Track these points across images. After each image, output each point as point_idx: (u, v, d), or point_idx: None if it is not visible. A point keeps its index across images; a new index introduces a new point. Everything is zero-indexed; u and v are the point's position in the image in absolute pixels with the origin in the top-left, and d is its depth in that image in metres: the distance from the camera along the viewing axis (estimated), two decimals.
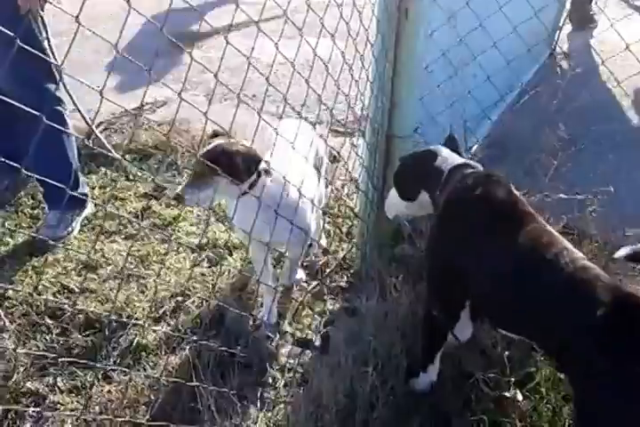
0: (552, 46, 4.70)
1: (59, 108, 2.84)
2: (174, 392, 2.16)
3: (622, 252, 1.57)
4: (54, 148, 2.87)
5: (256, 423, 1.97)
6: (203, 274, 2.70)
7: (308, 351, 2.24)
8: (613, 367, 1.41)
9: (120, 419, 1.93)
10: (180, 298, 2.58)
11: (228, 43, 1.47)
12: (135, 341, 2.38)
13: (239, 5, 1.53)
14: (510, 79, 3.27)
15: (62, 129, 2.77)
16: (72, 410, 2.16)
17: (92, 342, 2.40)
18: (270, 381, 2.20)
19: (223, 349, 2.06)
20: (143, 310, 2.52)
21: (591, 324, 1.47)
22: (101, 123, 3.91)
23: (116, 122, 3.99)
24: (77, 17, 1.08)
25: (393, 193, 2.21)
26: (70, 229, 3.03)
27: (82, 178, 3.17)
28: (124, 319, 2.47)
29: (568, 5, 4.90)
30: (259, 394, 2.13)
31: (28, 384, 2.23)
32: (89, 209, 3.16)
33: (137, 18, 1.34)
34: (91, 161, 3.54)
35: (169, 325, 2.47)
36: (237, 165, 1.98)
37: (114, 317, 2.46)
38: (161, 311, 2.52)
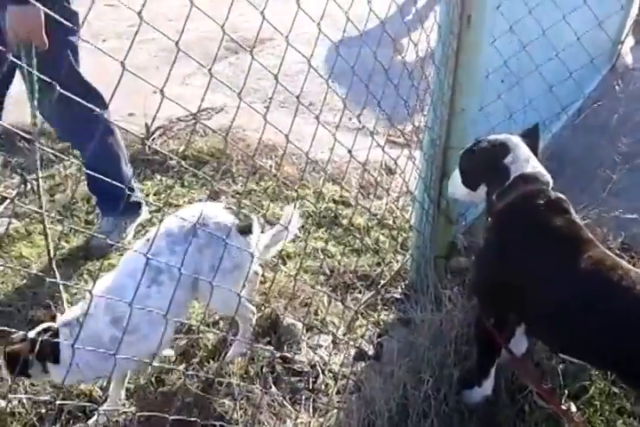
0: (613, 60, 4.83)
1: (109, 126, 3.13)
2: (226, 396, 2.38)
3: None
4: (107, 159, 3.17)
5: (310, 421, 2.16)
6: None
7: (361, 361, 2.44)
8: None
9: (173, 417, 2.17)
10: None
11: (289, 44, 1.61)
12: (187, 344, 2.62)
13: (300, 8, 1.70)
14: (571, 92, 3.40)
15: (113, 144, 3.11)
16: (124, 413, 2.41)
17: None
18: (323, 388, 2.40)
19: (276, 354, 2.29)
20: (197, 315, 2.77)
21: None
22: (158, 128, 4.23)
23: (172, 127, 4.29)
24: (139, 12, 1.23)
25: (456, 174, 2.28)
26: (124, 235, 3.32)
27: (136, 184, 3.47)
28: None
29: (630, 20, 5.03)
30: (311, 400, 2.33)
31: (81, 387, 2.48)
32: (143, 215, 3.44)
33: (193, 22, 1.50)
34: (146, 167, 3.86)
35: (222, 330, 2.70)
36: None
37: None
38: (217, 317, 2.75)
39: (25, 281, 3.00)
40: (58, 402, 2.28)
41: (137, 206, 3.39)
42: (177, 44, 1.30)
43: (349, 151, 2.17)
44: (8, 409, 2.36)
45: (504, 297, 2.01)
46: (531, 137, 2.13)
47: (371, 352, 2.49)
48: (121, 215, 3.31)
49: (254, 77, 1.77)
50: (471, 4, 2.25)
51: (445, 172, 2.59)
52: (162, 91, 1.28)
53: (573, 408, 2.12)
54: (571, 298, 1.80)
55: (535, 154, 2.10)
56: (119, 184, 1.48)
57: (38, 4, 1.31)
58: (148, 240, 2.12)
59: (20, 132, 1.53)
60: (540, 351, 2.27)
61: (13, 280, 3.00)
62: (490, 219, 2.15)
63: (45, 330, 2.10)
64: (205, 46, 4.48)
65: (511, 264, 1.97)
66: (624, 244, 2.48)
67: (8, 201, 3.59)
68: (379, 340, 2.50)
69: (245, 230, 2.33)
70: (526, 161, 2.05)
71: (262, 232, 2.55)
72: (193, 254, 2.11)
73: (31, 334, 2.09)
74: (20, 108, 1.41)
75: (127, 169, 3.32)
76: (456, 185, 2.29)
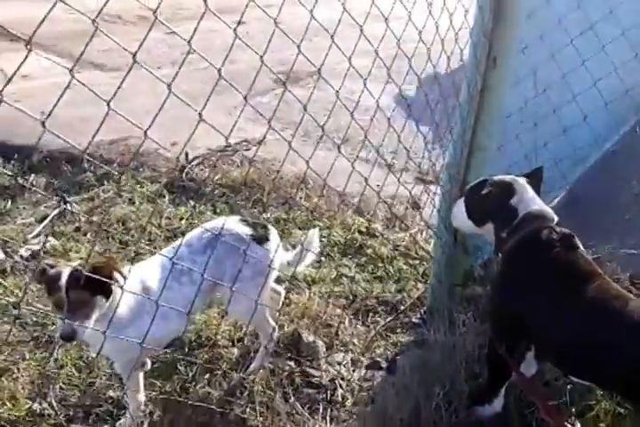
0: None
1: None
2: (247, 404, 2.59)
3: None
4: None
5: None
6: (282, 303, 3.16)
7: (377, 374, 2.64)
8: None
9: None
10: None
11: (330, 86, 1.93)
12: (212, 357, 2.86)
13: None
14: (592, 139, 3.65)
15: None
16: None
17: (173, 358, 2.89)
18: (340, 400, 2.60)
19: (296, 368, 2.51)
20: (223, 332, 3.01)
21: None
22: (197, 157, 4.58)
23: (211, 157, 4.64)
24: (189, 41, 1.49)
25: (461, 205, 2.48)
26: None
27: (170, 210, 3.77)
28: (202, 339, 2.97)
29: None
30: (328, 410, 2.53)
31: (110, 392, 2.72)
32: None
33: (245, 52, 1.73)
34: (181, 194, 4.19)
35: (246, 346, 2.93)
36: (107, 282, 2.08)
37: (193, 336, 2.97)
38: (241, 334, 2.99)
39: None
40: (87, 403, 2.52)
41: None
42: (219, 71, 1.55)
43: (365, 180, 2.43)
44: (38, 411, 2.59)
45: (516, 326, 2.20)
46: (534, 178, 2.37)
47: (384, 365, 2.69)
48: None
49: (298, 110, 2.02)
50: (498, 46, 2.51)
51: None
52: (200, 116, 1.50)
53: (578, 425, 2.29)
54: (577, 326, 1.99)
55: (538, 193, 2.33)
56: None
57: None
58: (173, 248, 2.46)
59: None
60: (549, 372, 2.45)
61: None
62: (500, 254, 2.34)
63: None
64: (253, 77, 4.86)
65: (523, 296, 2.16)
66: (632, 277, 2.68)
67: (47, 221, 3.93)
68: (394, 356, 2.70)
69: (262, 239, 2.58)
70: (532, 200, 2.27)
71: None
72: (211, 265, 2.33)
73: None
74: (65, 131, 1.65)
75: None
76: (460, 218, 2.51)
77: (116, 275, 2.14)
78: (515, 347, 2.29)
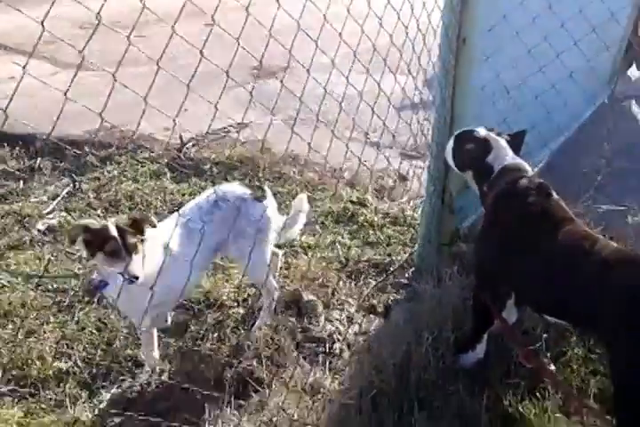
0: (612, 87, 5.29)
1: None
2: (253, 358, 2.77)
3: None
4: None
5: (326, 378, 2.56)
6: (281, 268, 3.34)
7: (372, 325, 2.85)
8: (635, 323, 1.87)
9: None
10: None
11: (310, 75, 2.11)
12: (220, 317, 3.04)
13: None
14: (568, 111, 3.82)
15: None
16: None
17: (184, 319, 3.07)
18: (338, 352, 2.80)
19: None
20: (228, 293, 3.19)
21: (622, 296, 1.93)
22: (191, 139, 4.74)
23: (203, 139, 4.82)
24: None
25: (450, 147, 2.66)
26: None
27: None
28: (210, 301, 3.15)
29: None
30: (327, 362, 2.73)
31: (128, 351, 2.90)
32: None
33: (221, 51, 1.88)
34: (182, 172, 4.34)
35: (250, 307, 3.12)
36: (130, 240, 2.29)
37: (201, 298, 3.15)
38: (245, 295, 3.18)
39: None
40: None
41: None
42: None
43: (359, 159, 2.64)
44: (64, 369, 2.77)
45: (497, 273, 2.40)
46: (516, 139, 2.54)
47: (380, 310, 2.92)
48: None
49: (275, 99, 2.22)
50: (466, 27, 2.71)
51: (447, 169, 3.00)
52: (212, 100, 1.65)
53: (552, 367, 2.50)
54: (550, 264, 2.17)
55: (517, 154, 2.50)
56: None
57: None
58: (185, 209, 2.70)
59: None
60: (528, 321, 2.65)
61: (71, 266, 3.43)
62: (484, 207, 2.55)
63: None
64: (231, 72, 5.03)
65: (503, 243, 2.35)
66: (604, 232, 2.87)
67: (59, 198, 4.08)
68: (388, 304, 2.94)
69: (260, 198, 2.82)
70: (507, 156, 2.45)
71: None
72: (218, 223, 2.60)
73: None
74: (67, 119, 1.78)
75: None
76: (449, 157, 2.69)
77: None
78: (496, 293, 2.46)
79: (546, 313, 2.35)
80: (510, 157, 2.46)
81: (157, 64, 1.59)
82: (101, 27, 1.50)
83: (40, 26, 1.35)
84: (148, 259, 2.37)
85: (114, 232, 2.26)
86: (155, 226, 2.39)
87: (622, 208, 3.03)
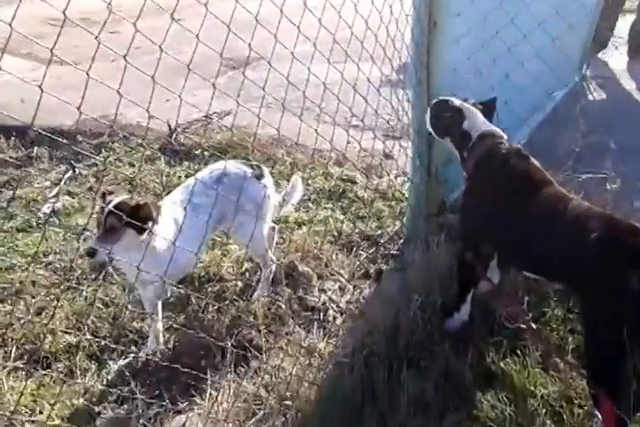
0: (583, 69, 5.38)
1: None
2: (252, 327, 2.87)
3: None
4: None
5: (321, 343, 2.66)
6: (277, 242, 3.43)
7: (364, 291, 2.95)
8: (606, 277, 1.97)
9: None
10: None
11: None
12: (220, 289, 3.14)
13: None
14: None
15: None
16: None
17: (185, 293, 3.16)
18: (331, 319, 2.90)
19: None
20: (227, 268, 3.28)
21: (592, 250, 2.03)
22: (178, 127, 4.81)
23: (190, 126, 4.90)
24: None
25: (428, 116, 2.76)
26: None
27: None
28: (210, 275, 3.24)
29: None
30: (322, 328, 2.83)
31: (134, 323, 3.00)
32: None
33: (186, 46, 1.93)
34: (175, 156, 4.43)
35: (248, 280, 3.21)
36: (144, 217, 2.37)
37: (202, 272, 3.25)
38: (244, 268, 3.27)
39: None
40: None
41: None
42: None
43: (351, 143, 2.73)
44: (74, 342, 2.87)
45: (481, 232, 2.50)
46: (488, 106, 2.67)
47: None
48: None
49: (253, 87, 2.29)
50: (436, 11, 2.81)
51: (431, 143, 3.07)
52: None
53: (533, 326, 2.59)
54: (528, 224, 2.28)
55: (490, 120, 2.62)
56: None
57: None
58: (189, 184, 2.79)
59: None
60: (510, 284, 2.74)
61: (76, 246, 3.52)
62: (466, 172, 2.63)
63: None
64: (206, 65, 5.10)
65: (485, 203, 2.45)
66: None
67: (62, 183, 4.16)
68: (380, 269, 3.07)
69: (259, 176, 2.94)
70: (482, 123, 2.57)
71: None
72: (220, 198, 2.65)
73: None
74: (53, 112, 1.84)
75: None
76: (429, 126, 2.79)
77: (152, 217, 2.44)
78: (480, 254, 2.56)
79: (526, 270, 2.45)
80: (485, 125, 2.57)
81: (125, 58, 1.66)
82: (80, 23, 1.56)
83: (14, 25, 1.40)
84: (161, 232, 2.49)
85: (107, 207, 2.33)
86: (156, 222, 2.48)
87: (601, 176, 3.12)
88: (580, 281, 2.10)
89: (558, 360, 2.41)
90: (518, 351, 2.50)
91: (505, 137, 2.54)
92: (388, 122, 4.09)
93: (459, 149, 2.61)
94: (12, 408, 2.40)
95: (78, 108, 1.57)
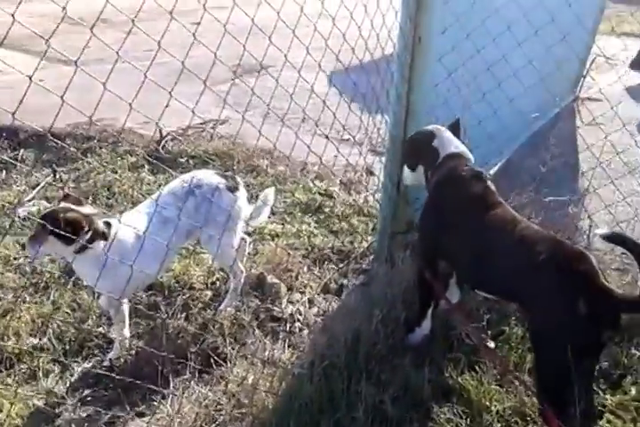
0: (576, 91, 5.48)
1: None
2: (218, 335, 2.89)
3: (601, 231, 2.11)
4: None
5: (284, 353, 2.69)
6: (249, 253, 3.46)
7: (330, 305, 2.98)
8: (553, 299, 2.03)
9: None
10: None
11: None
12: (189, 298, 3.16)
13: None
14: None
15: None
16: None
17: (154, 300, 3.18)
18: (297, 331, 2.93)
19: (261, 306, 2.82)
20: (197, 277, 3.31)
21: (535, 266, 2.08)
22: (170, 133, 4.86)
23: (182, 133, 4.94)
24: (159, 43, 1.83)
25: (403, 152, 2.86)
26: None
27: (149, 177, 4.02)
28: (180, 284, 3.27)
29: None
30: (287, 340, 2.85)
31: (100, 329, 3.01)
32: None
33: (197, 50, 2.00)
34: (160, 164, 4.44)
35: (217, 290, 3.24)
36: (66, 230, 2.36)
37: (172, 280, 3.27)
38: (214, 278, 3.30)
39: None
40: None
41: None
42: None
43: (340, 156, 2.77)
44: (39, 345, 2.87)
45: (438, 250, 2.55)
46: (454, 127, 2.73)
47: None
48: None
49: (255, 96, 2.34)
50: (421, 28, 2.85)
51: (403, 162, 3.13)
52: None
53: (492, 344, 2.64)
54: (480, 244, 2.33)
55: (457, 137, 2.68)
56: None
57: None
58: (159, 195, 2.78)
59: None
60: (470, 302, 2.80)
61: None
62: (427, 190, 2.68)
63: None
64: (213, 70, 5.18)
65: (441, 222, 2.50)
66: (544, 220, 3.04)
67: (40, 186, 4.18)
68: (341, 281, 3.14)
69: (232, 188, 2.92)
70: (451, 144, 2.62)
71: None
72: (191, 209, 2.70)
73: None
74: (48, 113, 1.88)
75: None
76: (406, 172, 2.85)
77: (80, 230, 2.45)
78: (437, 271, 2.61)
79: (479, 289, 2.48)
80: (454, 146, 2.62)
81: (118, 58, 1.69)
82: (88, 24, 1.60)
83: (27, 23, 1.45)
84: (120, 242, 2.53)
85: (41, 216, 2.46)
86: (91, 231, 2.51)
87: (563, 199, 3.20)
88: (529, 302, 2.14)
89: (513, 378, 2.45)
90: (476, 367, 2.54)
91: (472, 159, 2.59)
92: (369, 137, 4.20)
93: (426, 168, 2.66)
94: None
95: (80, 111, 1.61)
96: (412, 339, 2.73)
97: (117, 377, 2.39)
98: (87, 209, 2.57)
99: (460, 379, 2.49)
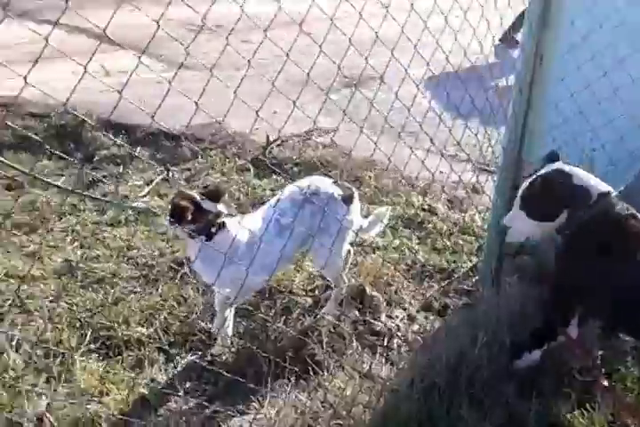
0: None
1: None
2: (317, 343, 2.89)
3: None
4: None
5: (382, 369, 2.66)
6: (350, 264, 3.45)
7: (430, 324, 2.93)
8: None
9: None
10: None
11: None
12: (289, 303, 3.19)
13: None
14: None
15: None
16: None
17: (256, 301, 3.22)
18: (396, 347, 2.89)
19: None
20: (298, 283, 3.34)
21: None
22: (276, 140, 4.95)
23: (288, 140, 5.03)
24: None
25: (517, 216, 2.49)
26: None
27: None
28: (281, 288, 3.30)
29: None
30: (385, 354, 2.82)
31: (202, 324, 3.07)
32: None
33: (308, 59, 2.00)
34: (265, 169, 4.55)
35: (317, 296, 3.25)
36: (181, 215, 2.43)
37: (274, 284, 3.31)
38: (314, 285, 3.32)
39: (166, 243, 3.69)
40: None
41: None
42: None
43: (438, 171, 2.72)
44: (146, 334, 2.96)
45: (576, 298, 2.42)
46: (553, 160, 2.49)
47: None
48: None
49: (362, 107, 2.34)
50: (544, 47, 2.77)
51: (516, 182, 3.01)
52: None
53: (605, 383, 2.50)
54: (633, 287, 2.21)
55: None
56: None
57: None
58: (278, 200, 2.81)
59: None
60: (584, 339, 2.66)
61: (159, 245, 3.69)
62: (567, 232, 2.42)
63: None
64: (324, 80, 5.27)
65: (592, 267, 2.30)
66: None
67: (154, 184, 4.36)
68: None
69: (348, 200, 2.91)
70: (595, 181, 2.38)
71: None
72: (307, 217, 2.73)
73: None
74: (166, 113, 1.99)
75: None
76: (520, 226, 2.52)
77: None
78: (567, 317, 2.48)
79: (616, 329, 2.43)
80: (601, 184, 2.38)
81: (249, 66, 1.74)
82: (205, 30, 1.66)
83: (154, 26, 1.51)
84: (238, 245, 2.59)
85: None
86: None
87: None
88: None
89: (629, 421, 2.31)
90: (587, 405, 2.41)
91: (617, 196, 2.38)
92: (481, 154, 4.09)
93: (574, 211, 2.36)
94: (81, 386, 2.52)
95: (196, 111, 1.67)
96: (520, 364, 2.62)
97: (222, 372, 2.41)
98: (210, 204, 2.58)
99: (569, 415, 2.37)
